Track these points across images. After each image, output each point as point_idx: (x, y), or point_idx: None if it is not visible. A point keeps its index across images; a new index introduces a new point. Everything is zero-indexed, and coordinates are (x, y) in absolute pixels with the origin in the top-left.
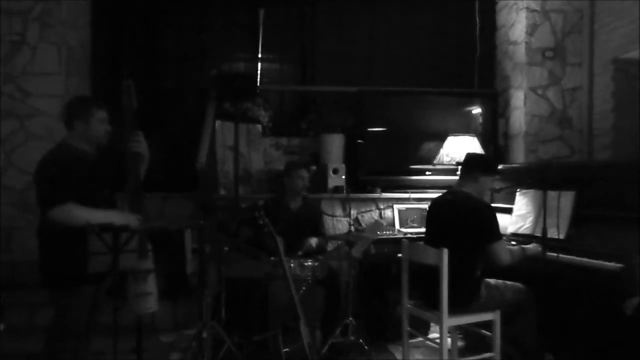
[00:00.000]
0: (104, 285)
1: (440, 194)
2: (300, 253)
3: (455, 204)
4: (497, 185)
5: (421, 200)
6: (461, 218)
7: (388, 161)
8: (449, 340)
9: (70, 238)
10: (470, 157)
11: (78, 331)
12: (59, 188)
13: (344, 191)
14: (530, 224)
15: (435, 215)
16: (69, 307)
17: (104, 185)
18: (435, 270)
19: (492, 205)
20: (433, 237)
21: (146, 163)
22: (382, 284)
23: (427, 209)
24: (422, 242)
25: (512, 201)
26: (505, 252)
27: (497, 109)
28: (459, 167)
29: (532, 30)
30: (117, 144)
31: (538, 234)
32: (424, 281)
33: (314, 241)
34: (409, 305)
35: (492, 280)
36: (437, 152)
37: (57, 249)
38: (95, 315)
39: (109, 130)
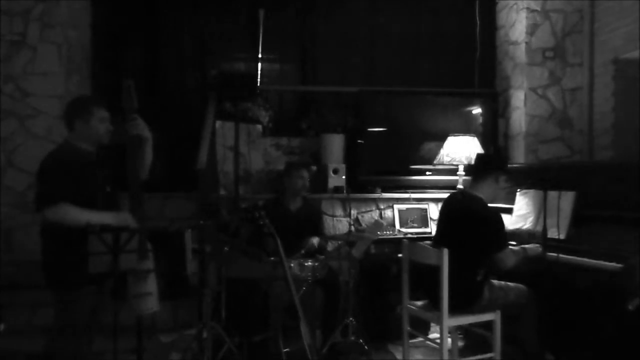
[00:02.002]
0: (107, 286)
1: (453, 192)
2: (303, 252)
3: (465, 207)
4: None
5: (421, 200)
6: (468, 223)
7: (388, 161)
8: (449, 340)
9: (73, 238)
10: (485, 156)
11: (79, 331)
12: (55, 189)
13: (344, 191)
14: (531, 224)
15: (445, 214)
16: (70, 307)
17: (105, 185)
18: (437, 271)
19: (492, 205)
20: (441, 236)
21: (150, 145)
22: (382, 284)
23: (440, 208)
24: (422, 242)
25: (512, 201)
26: (510, 258)
27: (497, 109)
28: (471, 168)
29: (532, 30)
30: (119, 141)
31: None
32: (428, 282)
33: (315, 240)
34: (409, 305)
35: (494, 282)
36: (437, 152)
37: (60, 249)
38: (97, 316)
39: (109, 130)
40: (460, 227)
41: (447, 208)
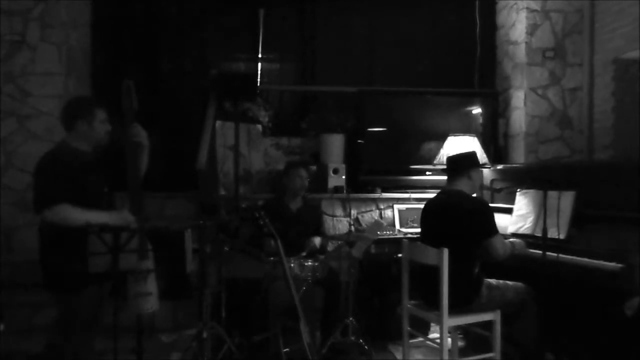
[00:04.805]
0: (107, 286)
1: (434, 195)
2: (304, 254)
3: (451, 203)
4: (497, 185)
5: (421, 200)
6: (458, 216)
7: (388, 161)
8: (449, 340)
9: (71, 238)
10: (458, 157)
11: (79, 331)
12: (54, 189)
13: (344, 191)
14: (531, 224)
15: (431, 215)
16: (70, 307)
17: (102, 185)
18: (435, 270)
19: (492, 205)
20: (429, 237)
21: (147, 153)
22: (382, 284)
23: (422, 209)
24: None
25: (512, 201)
26: (502, 245)
27: (497, 109)
28: (447, 169)
29: (532, 30)
30: (117, 142)
31: (538, 234)
32: (425, 281)
33: (317, 241)
34: (409, 305)
35: (493, 281)
36: (437, 152)
37: (58, 249)
38: (99, 315)
39: (109, 130)
40: (451, 223)
41: (435, 209)
